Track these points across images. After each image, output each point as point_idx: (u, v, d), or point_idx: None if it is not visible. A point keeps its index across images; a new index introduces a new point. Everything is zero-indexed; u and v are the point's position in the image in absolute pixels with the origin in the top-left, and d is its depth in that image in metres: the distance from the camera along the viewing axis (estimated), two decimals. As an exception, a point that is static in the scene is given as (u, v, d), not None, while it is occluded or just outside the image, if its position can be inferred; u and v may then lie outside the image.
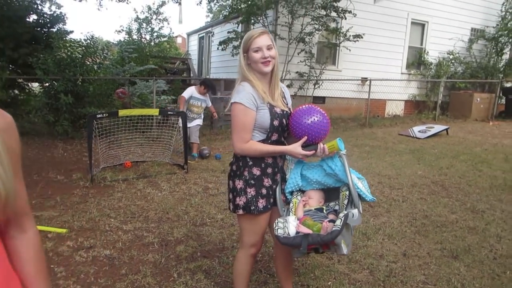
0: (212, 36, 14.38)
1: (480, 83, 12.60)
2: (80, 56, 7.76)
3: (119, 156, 5.72)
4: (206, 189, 4.64)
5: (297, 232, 1.79)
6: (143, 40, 14.33)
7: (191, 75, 14.14)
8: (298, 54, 9.48)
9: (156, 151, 6.17)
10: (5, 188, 0.78)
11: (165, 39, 14.97)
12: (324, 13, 9.20)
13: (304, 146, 1.90)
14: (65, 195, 4.25)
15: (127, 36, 14.35)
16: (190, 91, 6.25)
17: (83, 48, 7.98)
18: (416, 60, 12.19)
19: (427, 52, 12.12)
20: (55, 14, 8.94)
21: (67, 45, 8.13)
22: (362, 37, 9.72)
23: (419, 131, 8.69)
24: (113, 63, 9.64)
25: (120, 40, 14.52)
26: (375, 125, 10.07)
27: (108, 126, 5.74)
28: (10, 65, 8.52)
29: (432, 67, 12.17)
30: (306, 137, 1.88)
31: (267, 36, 1.91)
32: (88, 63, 7.98)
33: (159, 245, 3.10)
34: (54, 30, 8.85)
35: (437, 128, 8.87)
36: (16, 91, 8.88)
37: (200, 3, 12.40)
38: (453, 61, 12.25)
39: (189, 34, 18.18)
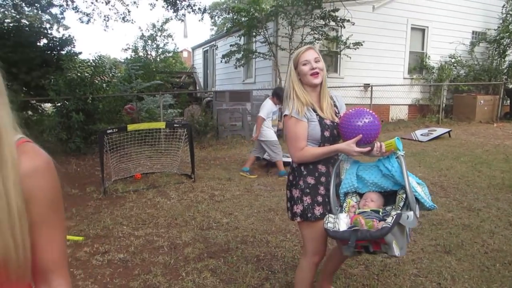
0: (216, 49, 14.77)
1: (484, 85, 12.66)
2: (89, 75, 8.13)
3: (130, 169, 5.99)
4: (212, 196, 4.87)
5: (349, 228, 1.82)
6: (149, 56, 14.81)
7: (197, 88, 14.50)
8: (300, 63, 9.72)
9: (165, 163, 6.42)
10: (5, 248, 0.72)
11: (170, 54, 15.46)
12: (323, 23, 9.46)
13: (358, 147, 1.92)
14: (80, 206, 4.52)
15: (133, 53, 14.84)
16: (269, 107, 5.65)
17: (92, 68, 8.36)
18: (418, 65, 12.35)
19: (429, 56, 12.28)
20: (64, 38, 9.39)
21: (77, 65, 8.52)
22: (362, 45, 9.95)
23: (421, 135, 8.84)
24: (120, 80, 10.03)
25: (127, 57, 15.03)
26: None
27: (118, 141, 6.01)
28: (23, 88, 8.94)
29: (434, 71, 12.31)
30: (361, 135, 1.90)
31: (313, 51, 2.05)
32: (97, 82, 8.34)
33: (169, 248, 3.33)
34: (64, 52, 9.27)
35: (440, 131, 9.00)
36: (30, 112, 9.28)
37: (202, 19, 12.84)
38: (455, 65, 12.38)
39: (193, 48, 18.63)
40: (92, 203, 4.65)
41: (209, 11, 13.43)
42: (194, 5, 10.73)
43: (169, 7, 10.77)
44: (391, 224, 1.67)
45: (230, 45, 10.15)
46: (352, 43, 9.95)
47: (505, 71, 12.71)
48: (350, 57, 10.36)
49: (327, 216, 1.93)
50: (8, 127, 0.76)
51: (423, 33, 12.30)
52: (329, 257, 2.40)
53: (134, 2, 11.41)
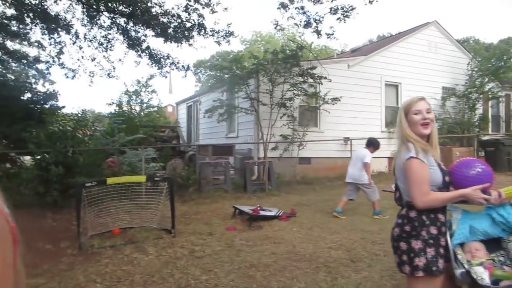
0: (199, 104, 15.13)
1: (458, 138, 13.20)
2: (71, 129, 8.15)
3: (108, 224, 5.81)
4: (192, 251, 4.73)
5: (494, 282, 1.83)
6: (133, 111, 15.03)
7: (180, 142, 14.60)
8: (281, 118, 10.02)
9: (144, 217, 6.26)
10: None
11: (154, 109, 15.73)
12: (302, 79, 9.90)
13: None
14: (52, 263, 4.31)
15: (117, 108, 15.04)
16: (370, 154, 6.73)
17: (75, 121, 8.41)
18: (394, 119, 12.81)
19: (403, 111, 12.81)
20: (48, 92, 9.52)
21: (59, 119, 8.56)
22: (339, 100, 10.38)
23: (401, 186, 8.95)
24: (103, 134, 10.06)
25: (110, 112, 15.18)
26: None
27: (98, 195, 5.90)
28: (3, 140, 8.85)
29: (410, 125, 12.79)
30: (489, 184, 1.91)
31: (425, 101, 2.08)
32: (79, 135, 8.35)
33: (144, 308, 3.17)
34: (47, 106, 9.34)
35: (418, 182, 9.15)
36: (8, 165, 9.10)
37: (185, 76, 13.21)
38: (428, 118, 12.93)
39: (177, 104, 19.02)
40: (65, 259, 4.45)
41: (193, 69, 13.97)
42: (178, 63, 11.15)
43: (154, 64, 11.16)
44: None
45: (213, 101, 10.43)
46: (330, 99, 10.38)
47: (477, 123, 13.35)
48: (329, 112, 10.75)
49: (473, 271, 1.86)
50: None
51: (397, 88, 12.97)
52: None
53: (120, 60, 11.79)
